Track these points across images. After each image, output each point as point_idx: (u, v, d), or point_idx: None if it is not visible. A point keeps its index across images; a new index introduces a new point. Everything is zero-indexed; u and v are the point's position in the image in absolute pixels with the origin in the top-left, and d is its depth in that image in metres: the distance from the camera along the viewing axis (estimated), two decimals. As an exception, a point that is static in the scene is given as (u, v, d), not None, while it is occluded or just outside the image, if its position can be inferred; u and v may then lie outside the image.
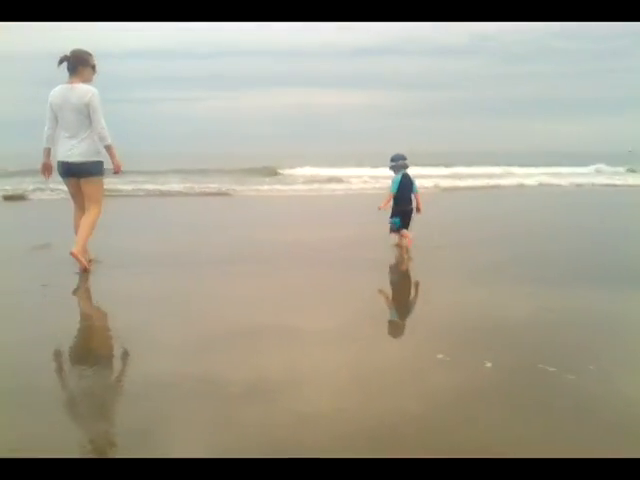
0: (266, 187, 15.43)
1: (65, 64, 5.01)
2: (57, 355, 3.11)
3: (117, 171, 5.11)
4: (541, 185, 17.90)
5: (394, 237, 6.31)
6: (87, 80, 5.04)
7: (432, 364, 2.92)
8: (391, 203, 6.32)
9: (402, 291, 4.52)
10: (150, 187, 14.27)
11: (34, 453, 2.04)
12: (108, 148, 4.99)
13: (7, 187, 12.99)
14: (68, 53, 5.01)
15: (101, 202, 5.19)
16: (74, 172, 5.03)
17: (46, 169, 5.14)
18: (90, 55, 5.10)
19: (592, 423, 2.35)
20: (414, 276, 5.10)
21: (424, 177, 15.50)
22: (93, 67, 5.11)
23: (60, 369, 2.92)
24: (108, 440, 2.23)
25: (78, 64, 5.00)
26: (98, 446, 2.18)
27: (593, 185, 18.17)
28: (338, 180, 17.69)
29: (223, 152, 53.05)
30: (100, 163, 5.08)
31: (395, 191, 6.25)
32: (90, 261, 5.15)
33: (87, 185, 5.09)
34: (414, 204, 6.37)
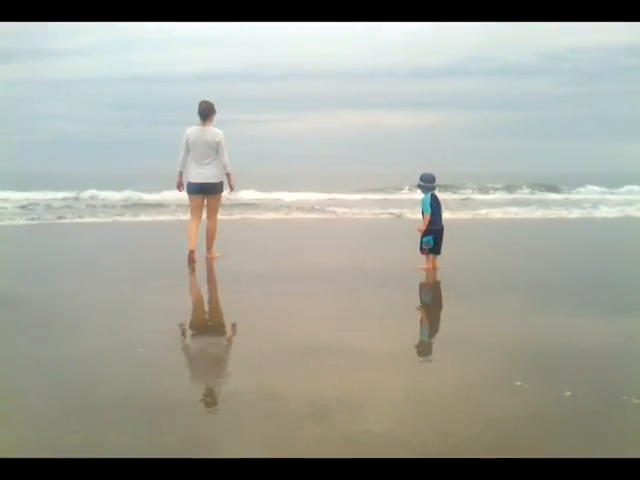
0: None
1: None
2: (138, 367, 3.27)
3: (232, 190, 6.92)
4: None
5: (424, 259, 6.18)
6: (212, 122, 6.71)
7: (510, 391, 2.86)
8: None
9: (471, 314, 4.45)
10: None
11: (103, 454, 2.18)
12: (229, 174, 6.69)
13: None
14: (203, 104, 6.63)
15: (217, 214, 6.86)
16: (204, 190, 6.64)
17: (180, 185, 6.86)
18: (214, 105, 6.72)
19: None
20: (480, 299, 5.00)
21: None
22: (215, 113, 6.72)
23: (140, 381, 3.06)
24: (171, 450, 2.31)
25: (210, 112, 6.65)
26: (161, 455, 2.25)
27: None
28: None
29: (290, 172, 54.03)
30: (222, 183, 6.75)
31: (430, 211, 6.16)
32: (217, 256, 6.81)
33: (212, 200, 6.75)
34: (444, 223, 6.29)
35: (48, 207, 14.83)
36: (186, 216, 12.52)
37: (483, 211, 14.80)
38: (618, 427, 2.51)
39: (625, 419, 2.58)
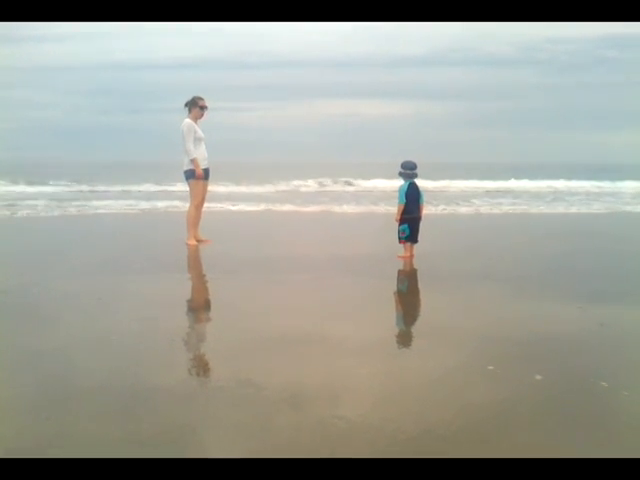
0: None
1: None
2: (112, 355, 3.25)
3: (198, 178, 6.95)
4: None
5: (402, 247, 6.29)
6: (197, 116, 7.02)
7: (482, 375, 2.92)
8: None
9: (447, 302, 4.50)
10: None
11: (76, 443, 2.19)
12: (192, 161, 6.91)
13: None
14: (190, 99, 6.97)
15: (193, 200, 7.09)
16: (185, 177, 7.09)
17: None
18: (201, 99, 7.03)
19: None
20: (457, 287, 5.04)
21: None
22: (201, 107, 7.00)
23: (114, 369, 3.04)
24: (147, 437, 2.32)
25: (190, 106, 7.00)
26: (137, 443, 2.28)
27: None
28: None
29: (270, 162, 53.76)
30: (188, 171, 6.97)
31: (404, 202, 6.24)
32: (200, 241, 7.18)
33: (188, 186, 7.13)
34: (422, 212, 6.35)
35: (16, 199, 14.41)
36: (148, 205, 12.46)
37: (460, 204, 14.83)
38: (584, 408, 2.57)
39: (591, 401, 2.65)
